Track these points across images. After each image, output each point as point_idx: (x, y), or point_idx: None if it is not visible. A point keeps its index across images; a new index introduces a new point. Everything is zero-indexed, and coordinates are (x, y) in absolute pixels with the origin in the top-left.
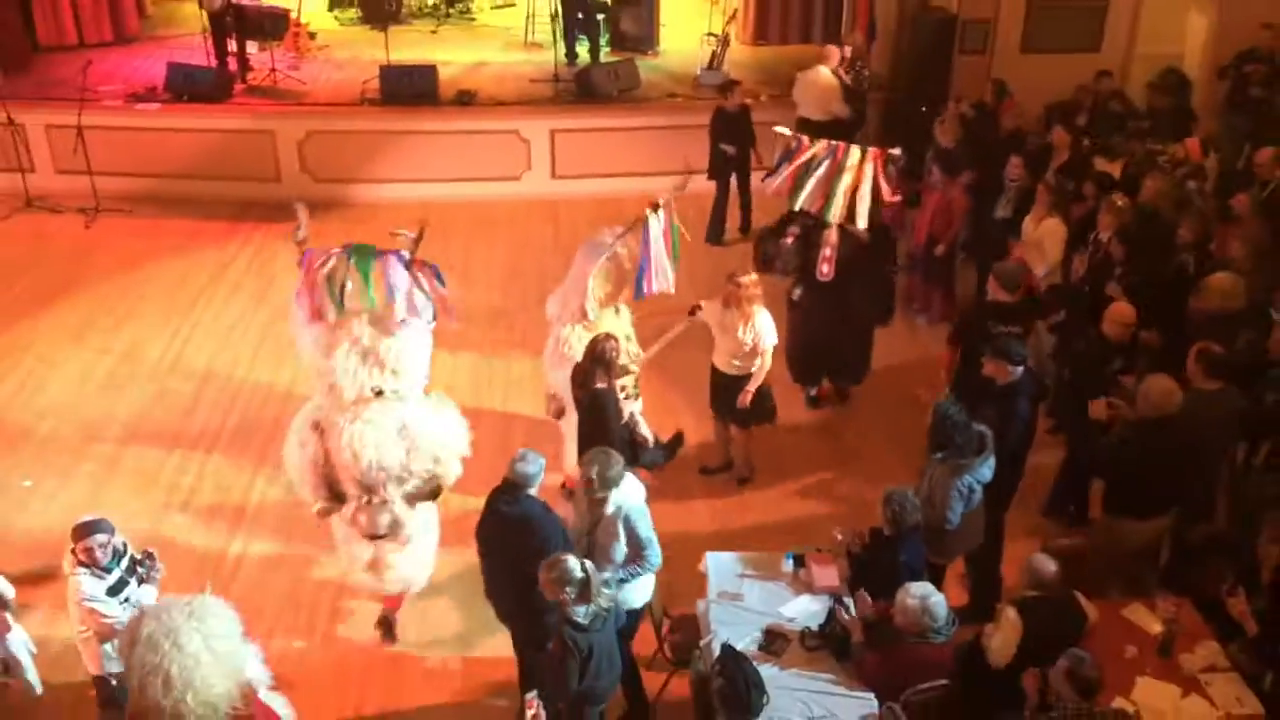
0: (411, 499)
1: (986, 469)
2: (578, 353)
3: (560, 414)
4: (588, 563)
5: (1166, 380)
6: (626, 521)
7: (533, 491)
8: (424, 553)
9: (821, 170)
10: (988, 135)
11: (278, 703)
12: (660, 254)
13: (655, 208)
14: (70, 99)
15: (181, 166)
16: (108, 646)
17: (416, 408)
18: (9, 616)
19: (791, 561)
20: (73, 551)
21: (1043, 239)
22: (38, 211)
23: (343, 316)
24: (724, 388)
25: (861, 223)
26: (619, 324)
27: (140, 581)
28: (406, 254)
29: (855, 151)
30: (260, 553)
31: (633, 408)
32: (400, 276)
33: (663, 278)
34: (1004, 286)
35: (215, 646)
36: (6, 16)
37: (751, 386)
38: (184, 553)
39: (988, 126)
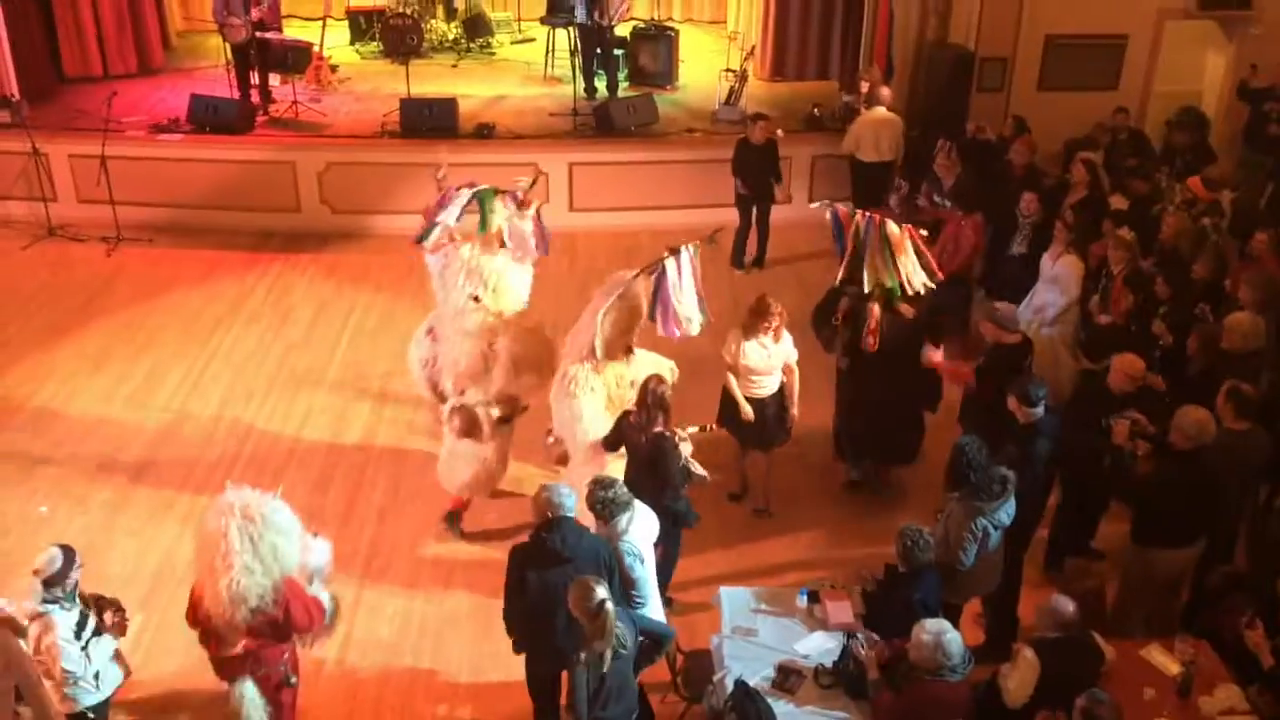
0: (492, 407)
1: (1004, 513)
2: (583, 391)
3: (563, 460)
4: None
5: (1201, 411)
6: (610, 557)
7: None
8: (463, 470)
9: (869, 243)
10: (999, 170)
11: (324, 597)
12: (679, 299)
13: (674, 252)
14: (94, 129)
15: (202, 197)
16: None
17: (510, 331)
18: (24, 644)
19: (806, 597)
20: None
21: (1060, 275)
22: (60, 240)
23: (457, 240)
24: (756, 414)
25: (919, 286)
26: (628, 370)
27: (97, 632)
28: (519, 193)
29: (892, 224)
30: None
31: (685, 450)
32: (510, 211)
33: (682, 323)
34: (1003, 328)
35: (261, 545)
36: (33, 47)
37: (795, 404)
38: None
39: (998, 162)
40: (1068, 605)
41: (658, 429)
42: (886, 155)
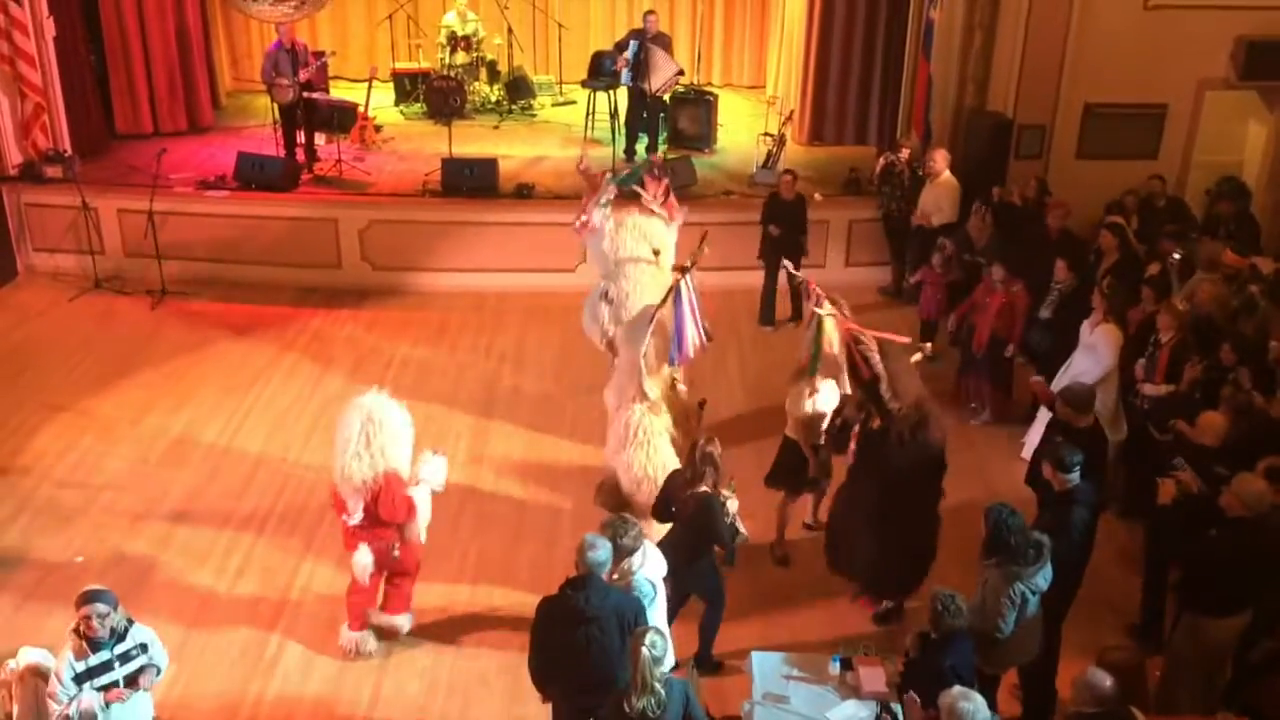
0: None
1: (1042, 578)
2: (650, 435)
3: (611, 505)
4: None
5: (1260, 481)
6: (638, 616)
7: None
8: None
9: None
10: (1033, 235)
11: (424, 503)
12: (693, 319)
13: (684, 271)
14: (143, 185)
15: (246, 252)
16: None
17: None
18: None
19: (839, 664)
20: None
21: (1097, 344)
22: (106, 292)
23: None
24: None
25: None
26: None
27: (129, 682)
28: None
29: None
30: (302, 636)
31: (732, 506)
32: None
33: (693, 347)
34: (1076, 410)
35: (373, 442)
36: (87, 105)
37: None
38: (226, 639)
39: (1033, 226)
40: (1105, 679)
41: (703, 489)
42: (950, 218)
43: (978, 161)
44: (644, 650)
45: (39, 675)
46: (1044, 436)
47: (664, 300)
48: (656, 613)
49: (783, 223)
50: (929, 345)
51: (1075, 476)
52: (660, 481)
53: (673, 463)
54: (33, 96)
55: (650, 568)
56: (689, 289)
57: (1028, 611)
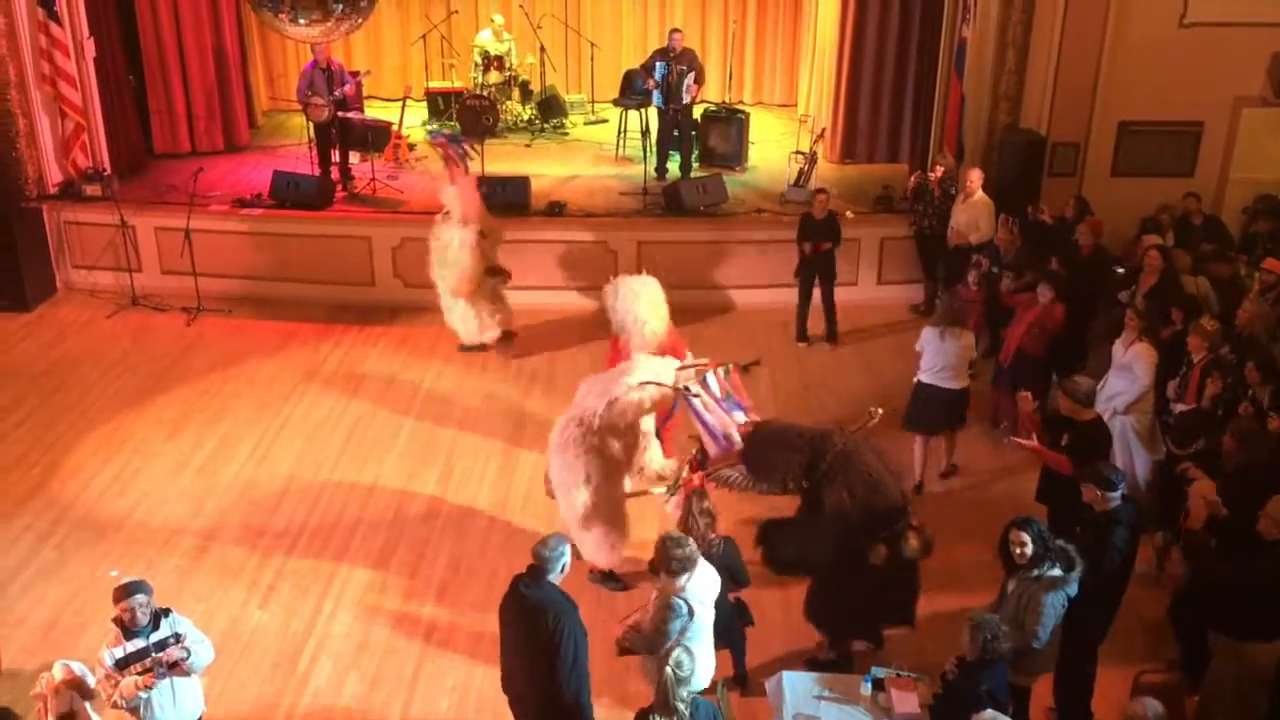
0: None
1: (1075, 584)
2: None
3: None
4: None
5: None
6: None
7: (554, 578)
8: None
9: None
10: (1065, 252)
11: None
12: (713, 418)
13: (684, 390)
14: (180, 203)
15: (281, 269)
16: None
17: None
18: (89, 707)
19: (870, 685)
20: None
21: (1133, 363)
22: (142, 309)
23: None
24: None
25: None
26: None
27: (165, 667)
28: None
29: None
30: (334, 652)
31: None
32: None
33: (721, 439)
34: (1078, 403)
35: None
36: (126, 125)
37: None
38: (257, 655)
39: (1064, 243)
40: (1158, 708)
41: (714, 536)
42: (985, 237)
43: (1011, 179)
44: (668, 670)
45: (75, 688)
46: (1052, 437)
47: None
48: (699, 634)
49: (817, 241)
50: (879, 410)
51: (1118, 496)
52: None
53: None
54: (73, 116)
55: (698, 586)
56: (702, 395)
57: (1059, 617)
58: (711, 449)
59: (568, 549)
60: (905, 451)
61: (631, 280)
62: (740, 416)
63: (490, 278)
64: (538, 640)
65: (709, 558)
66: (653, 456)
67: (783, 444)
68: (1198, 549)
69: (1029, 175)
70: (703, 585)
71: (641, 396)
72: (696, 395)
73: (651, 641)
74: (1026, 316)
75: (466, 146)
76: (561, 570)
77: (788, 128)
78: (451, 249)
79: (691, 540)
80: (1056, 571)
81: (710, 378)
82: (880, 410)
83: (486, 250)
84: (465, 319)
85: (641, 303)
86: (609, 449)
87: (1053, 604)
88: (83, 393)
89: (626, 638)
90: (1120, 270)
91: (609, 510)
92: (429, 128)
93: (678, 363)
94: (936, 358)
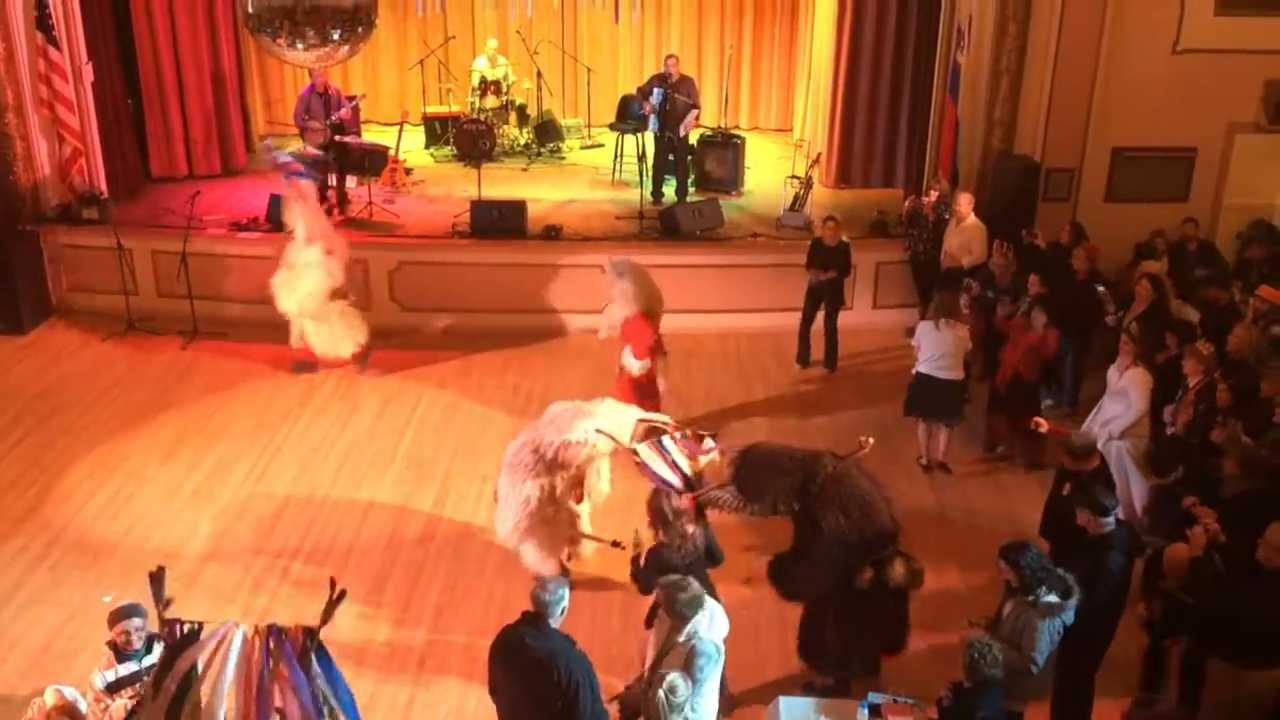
0: None
1: (1072, 612)
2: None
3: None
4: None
5: None
6: (691, 655)
7: (555, 623)
8: None
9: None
10: (1060, 276)
11: None
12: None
13: (650, 436)
14: (177, 227)
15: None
16: None
17: None
18: None
19: (867, 711)
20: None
21: (1128, 388)
22: (139, 333)
23: None
24: None
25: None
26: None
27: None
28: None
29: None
30: None
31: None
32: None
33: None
34: (1079, 458)
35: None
36: (123, 148)
37: None
38: None
39: (1060, 268)
40: None
41: (693, 529)
42: (980, 259)
43: (1006, 204)
44: (661, 694)
45: (67, 714)
46: (1055, 487)
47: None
48: (712, 676)
49: (829, 268)
50: (870, 440)
51: (1111, 521)
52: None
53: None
54: (70, 140)
55: (716, 630)
56: (650, 457)
57: (1055, 643)
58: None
59: (566, 591)
60: (896, 478)
61: (629, 260)
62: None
63: (336, 299)
64: (550, 695)
65: (695, 554)
66: (599, 491)
67: (774, 466)
68: (1202, 576)
69: (1024, 200)
70: (715, 626)
71: (595, 443)
72: (643, 461)
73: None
74: (1021, 342)
75: (309, 162)
76: (561, 613)
77: (783, 152)
78: (298, 268)
79: (694, 581)
80: (1053, 598)
81: (666, 440)
82: (871, 440)
83: (332, 269)
84: (319, 336)
85: (631, 279)
86: (554, 482)
87: (1048, 630)
88: (78, 415)
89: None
90: (1101, 289)
91: (543, 532)
92: (267, 144)
93: (640, 414)
94: (933, 348)
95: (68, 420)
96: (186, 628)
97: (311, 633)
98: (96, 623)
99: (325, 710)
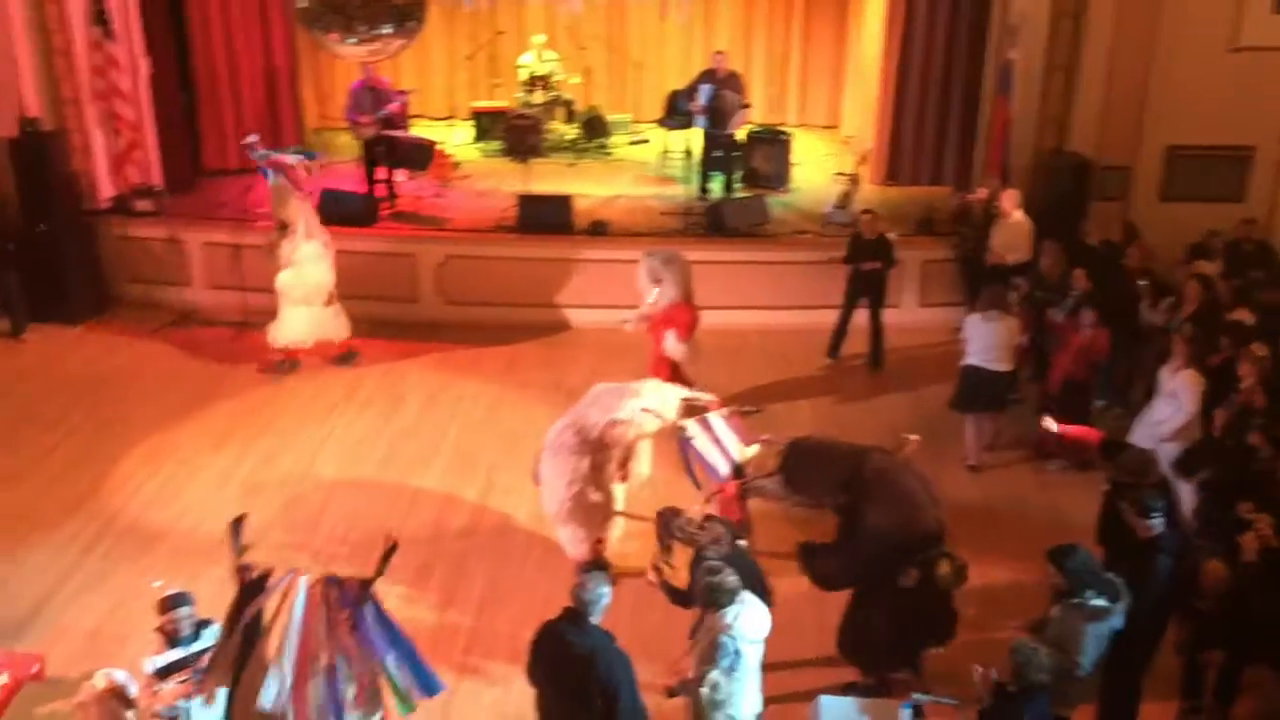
0: None
1: (1120, 617)
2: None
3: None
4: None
5: None
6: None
7: (595, 620)
8: None
9: None
10: (1113, 276)
11: None
12: (708, 456)
13: (696, 413)
14: (229, 219)
15: None
16: None
17: None
18: (131, 716)
19: (910, 712)
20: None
21: (1178, 390)
22: (191, 325)
23: None
24: None
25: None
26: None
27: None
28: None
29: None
30: None
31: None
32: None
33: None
34: (1138, 475)
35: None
36: (178, 142)
37: None
38: None
39: (1113, 267)
40: None
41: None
42: (1024, 257)
43: (1058, 202)
44: (704, 692)
45: (117, 697)
46: (1107, 500)
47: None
48: (746, 673)
49: (869, 260)
50: (915, 437)
51: (1159, 523)
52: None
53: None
54: (126, 133)
55: (746, 622)
56: (698, 434)
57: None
58: (704, 482)
59: (607, 588)
60: (941, 478)
61: (671, 250)
62: (737, 452)
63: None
64: (590, 692)
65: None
66: (638, 473)
67: (821, 458)
68: (1254, 582)
69: (1076, 199)
70: (752, 621)
71: (641, 422)
72: (691, 437)
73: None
74: (1071, 344)
75: (307, 163)
76: (602, 610)
77: (831, 149)
78: (304, 263)
79: (733, 573)
80: (1101, 602)
81: (714, 417)
82: (916, 437)
83: (331, 260)
84: (322, 322)
85: (679, 266)
86: (599, 461)
87: (1095, 634)
88: (130, 405)
89: (677, 686)
90: (1143, 282)
91: (585, 514)
92: (251, 142)
93: (686, 393)
94: (982, 340)
95: (120, 410)
96: (257, 573)
97: (366, 583)
98: (146, 608)
99: (381, 655)
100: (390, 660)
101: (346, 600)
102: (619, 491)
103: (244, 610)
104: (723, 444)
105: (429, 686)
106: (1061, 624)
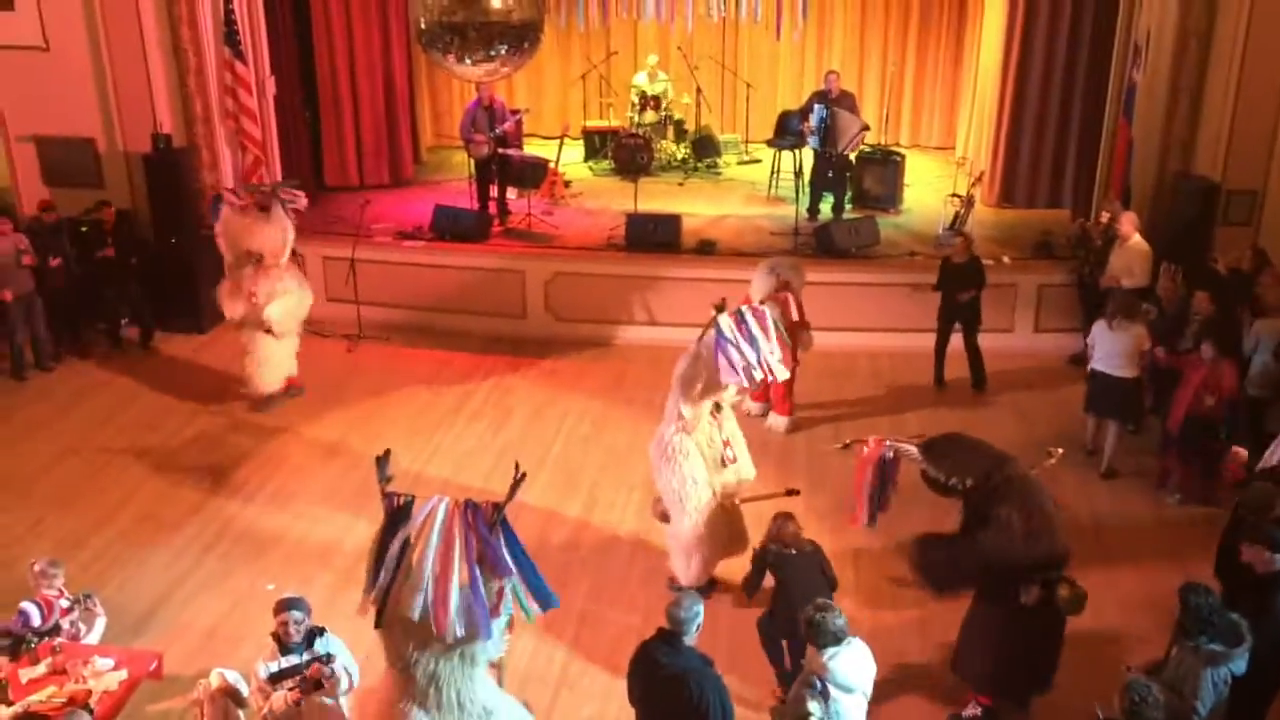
0: None
1: (1242, 661)
2: (682, 457)
3: (664, 518)
4: None
5: None
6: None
7: (689, 640)
8: None
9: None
10: (1242, 305)
11: None
12: (742, 352)
13: (719, 309)
14: (346, 234)
15: (438, 300)
16: None
17: None
18: (242, 715)
19: None
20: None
21: None
22: (308, 335)
23: None
24: None
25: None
26: (718, 431)
27: (313, 687)
28: None
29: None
30: None
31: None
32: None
33: (740, 372)
34: (1260, 512)
35: None
36: (300, 158)
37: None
38: None
39: (1243, 296)
40: None
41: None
42: (1141, 282)
43: (1182, 227)
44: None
45: (229, 695)
46: (1229, 525)
47: (702, 333)
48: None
49: (955, 288)
50: (1059, 450)
51: None
52: (684, 499)
53: (700, 477)
54: (252, 150)
55: (846, 666)
56: (735, 326)
57: (1223, 694)
58: (729, 380)
59: (701, 607)
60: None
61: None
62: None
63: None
64: (683, 713)
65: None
66: (740, 468)
67: (968, 446)
68: None
69: (1201, 224)
70: (853, 666)
71: (708, 337)
72: (727, 333)
73: (789, 716)
74: (1194, 379)
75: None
76: (696, 630)
77: (944, 170)
78: (289, 292)
79: (840, 614)
80: (1217, 646)
81: (749, 315)
82: (1060, 450)
83: (308, 289)
84: (287, 358)
85: (799, 275)
86: (691, 392)
87: (1211, 680)
88: (248, 412)
89: (776, 710)
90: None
91: (708, 535)
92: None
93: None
94: (1106, 347)
95: (239, 416)
96: (402, 500)
97: (499, 507)
98: (260, 611)
99: (509, 570)
100: (516, 576)
101: (481, 522)
102: (728, 476)
103: (391, 533)
104: (757, 345)
105: (548, 601)
106: (1179, 666)
